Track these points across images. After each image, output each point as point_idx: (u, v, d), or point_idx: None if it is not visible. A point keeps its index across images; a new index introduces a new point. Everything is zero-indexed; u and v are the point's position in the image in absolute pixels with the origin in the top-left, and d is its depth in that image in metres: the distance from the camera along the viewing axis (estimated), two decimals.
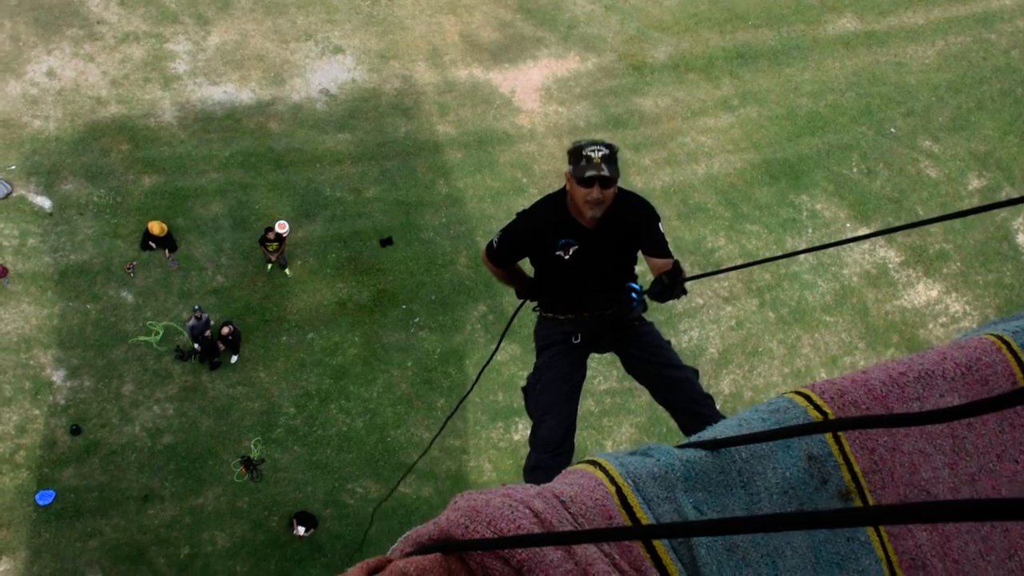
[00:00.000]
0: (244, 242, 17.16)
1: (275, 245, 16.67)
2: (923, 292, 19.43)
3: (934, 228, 19.99)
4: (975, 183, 20.76)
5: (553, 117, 19.58)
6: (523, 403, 5.16)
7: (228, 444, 15.85)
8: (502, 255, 4.95)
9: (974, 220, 20.22)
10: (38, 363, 15.69)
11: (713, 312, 18.36)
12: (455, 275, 17.73)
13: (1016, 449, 2.30)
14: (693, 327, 18.11)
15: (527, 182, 18.68)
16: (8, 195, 16.52)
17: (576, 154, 4.37)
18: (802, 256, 19.17)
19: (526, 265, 5.17)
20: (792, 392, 2.30)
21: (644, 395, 17.91)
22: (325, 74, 19.14)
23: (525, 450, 15.89)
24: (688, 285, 4.41)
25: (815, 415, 2.20)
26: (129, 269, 16.47)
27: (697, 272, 17.55)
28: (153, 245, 16.56)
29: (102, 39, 18.36)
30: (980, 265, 19.87)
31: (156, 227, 16.31)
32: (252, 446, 15.83)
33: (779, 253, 18.99)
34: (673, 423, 5.06)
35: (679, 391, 4.85)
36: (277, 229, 16.67)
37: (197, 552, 15.08)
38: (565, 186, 4.63)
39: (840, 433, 2.19)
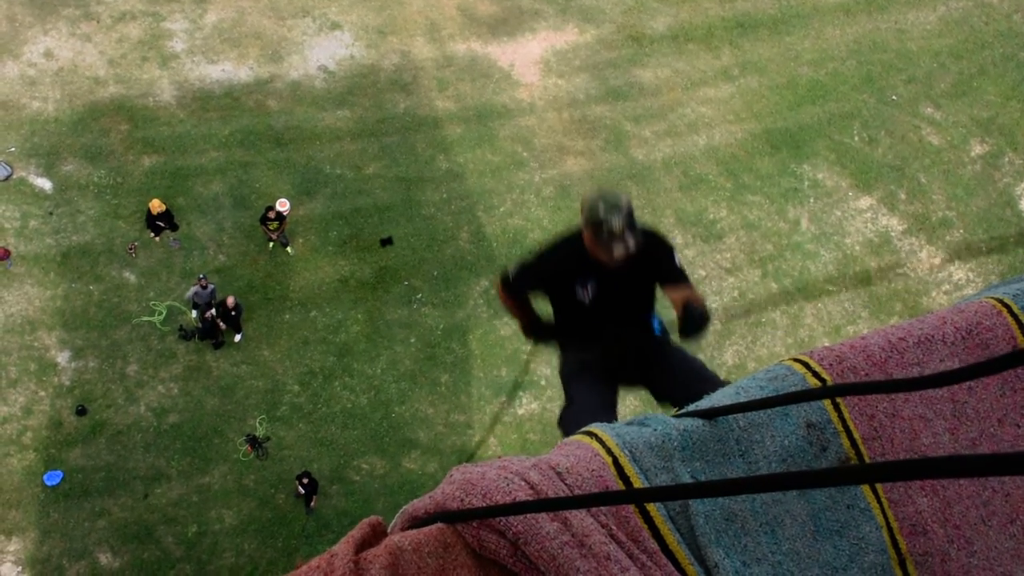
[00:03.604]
0: (245, 221, 17.13)
1: (276, 224, 16.64)
2: (926, 260, 19.36)
3: (936, 196, 19.91)
4: (977, 149, 20.64)
5: (553, 90, 19.47)
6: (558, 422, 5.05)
7: (233, 423, 15.88)
8: (517, 289, 4.87)
9: (976, 187, 20.13)
10: (42, 344, 15.71)
11: (716, 283, 18.32)
12: (457, 250, 17.70)
13: (1017, 413, 2.28)
14: None
15: (527, 156, 18.61)
16: (8, 177, 16.48)
17: (595, 224, 4.21)
18: (804, 226, 19.11)
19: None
20: (791, 359, 2.28)
21: None
22: (323, 51, 19.03)
23: (530, 424, 15.82)
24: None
25: (814, 382, 2.18)
26: (131, 249, 16.46)
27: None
28: (162, 224, 16.53)
29: (99, 19, 18.26)
30: (983, 232, 19.78)
31: (155, 205, 16.28)
32: (257, 424, 15.87)
33: (781, 224, 18.93)
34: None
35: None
36: (278, 207, 16.64)
37: (205, 530, 15.14)
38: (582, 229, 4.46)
39: (839, 400, 2.17)
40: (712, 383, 4.57)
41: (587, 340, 4.89)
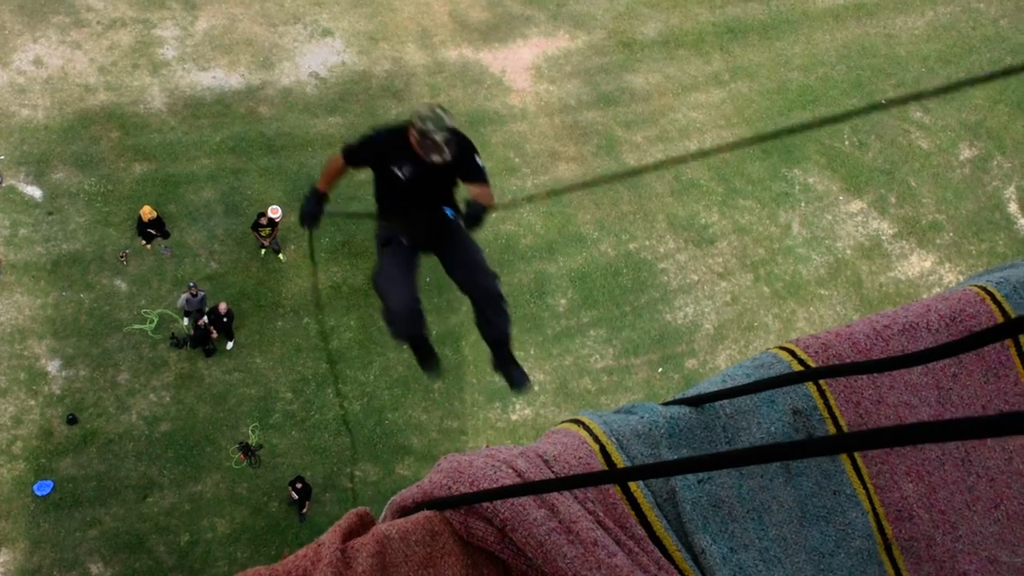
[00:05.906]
0: (237, 228, 17.10)
1: (268, 230, 16.63)
2: (917, 263, 19.43)
3: (926, 199, 20.00)
4: (966, 153, 20.74)
5: (544, 96, 19.50)
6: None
7: (226, 431, 15.83)
8: (352, 156, 6.15)
9: (965, 190, 20.22)
10: (32, 353, 15.66)
11: (708, 288, 18.35)
12: None
13: (1001, 400, 2.29)
14: (688, 303, 18.11)
15: (519, 162, 18.63)
16: None
17: (421, 132, 5.33)
18: (795, 230, 19.18)
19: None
20: (777, 348, 2.29)
21: (641, 373, 17.87)
22: (314, 57, 19.03)
23: (523, 429, 15.80)
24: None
25: (799, 369, 2.19)
26: (122, 257, 16.42)
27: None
28: (153, 232, 16.48)
29: (89, 26, 18.23)
30: (973, 235, 19.87)
31: (146, 212, 16.24)
32: (250, 432, 15.83)
33: (772, 228, 18.98)
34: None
35: (481, 285, 6.43)
36: (270, 214, 16.62)
37: (197, 539, 15.09)
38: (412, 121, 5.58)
39: (825, 387, 2.17)
40: (484, 272, 6.46)
41: (397, 213, 6.26)
